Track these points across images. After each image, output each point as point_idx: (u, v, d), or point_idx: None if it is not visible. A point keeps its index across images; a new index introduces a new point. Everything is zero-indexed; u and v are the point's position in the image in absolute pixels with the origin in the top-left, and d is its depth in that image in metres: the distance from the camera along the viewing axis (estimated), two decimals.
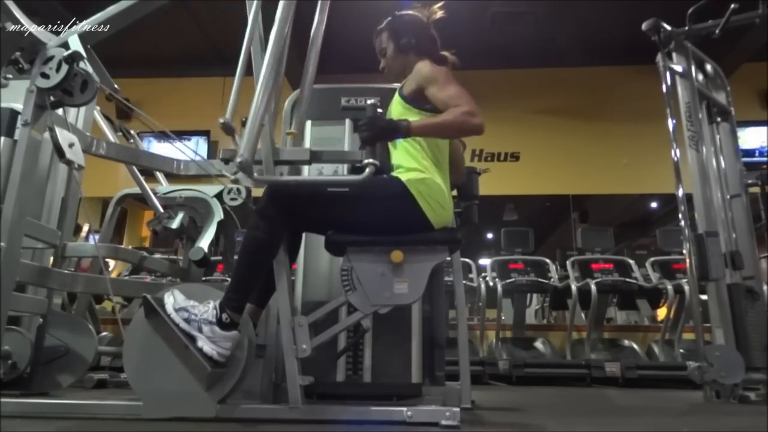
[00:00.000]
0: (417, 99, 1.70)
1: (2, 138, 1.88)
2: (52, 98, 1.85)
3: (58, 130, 1.78)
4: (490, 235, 7.95)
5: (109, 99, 2.40)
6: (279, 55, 1.54)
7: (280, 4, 1.60)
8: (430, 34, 1.85)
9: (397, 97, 1.78)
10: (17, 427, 1.39)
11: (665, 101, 2.90)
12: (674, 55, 2.97)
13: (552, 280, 4.45)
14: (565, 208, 6.96)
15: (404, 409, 1.46)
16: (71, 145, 1.82)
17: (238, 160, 1.40)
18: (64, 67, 1.80)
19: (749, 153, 5.94)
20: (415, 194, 1.58)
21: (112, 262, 4.64)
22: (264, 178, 1.54)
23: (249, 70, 1.54)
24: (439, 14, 1.85)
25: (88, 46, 2.02)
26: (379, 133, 1.55)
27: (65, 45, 1.87)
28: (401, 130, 1.57)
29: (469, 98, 1.61)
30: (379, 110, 1.58)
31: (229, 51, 1.76)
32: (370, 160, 1.49)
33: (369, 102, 1.62)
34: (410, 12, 1.87)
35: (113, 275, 4.24)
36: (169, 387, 1.51)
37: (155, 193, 2.85)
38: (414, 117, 1.67)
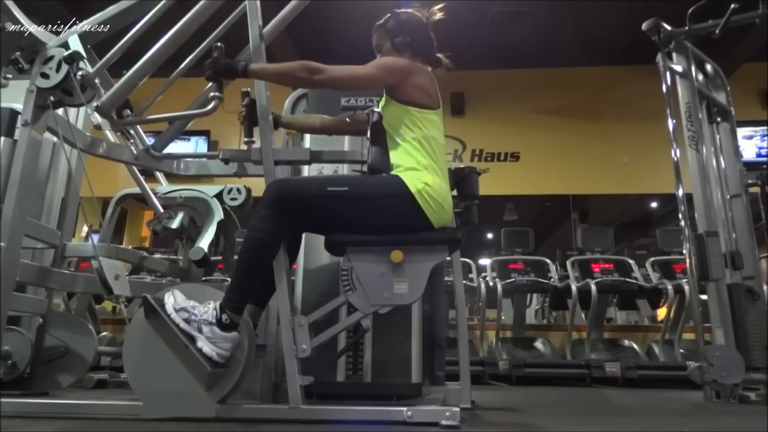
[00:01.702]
0: (393, 89, 1.74)
1: (2, 138, 1.89)
2: (52, 98, 1.85)
3: (102, 261, 1.78)
4: (490, 235, 7.95)
5: None
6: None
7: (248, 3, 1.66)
8: (427, 34, 1.85)
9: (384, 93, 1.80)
10: (17, 427, 1.39)
11: (665, 101, 2.90)
12: (674, 55, 2.97)
13: (552, 280, 4.45)
14: (565, 208, 6.96)
15: (404, 409, 1.46)
16: (117, 277, 1.82)
17: (96, 103, 1.49)
18: (64, 67, 1.80)
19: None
20: (415, 194, 1.58)
21: None
22: (126, 121, 1.64)
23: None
24: (439, 15, 1.85)
25: (88, 46, 2.01)
26: (219, 70, 1.66)
27: (65, 45, 1.87)
28: (238, 69, 1.64)
29: (342, 72, 1.66)
30: (378, 110, 1.60)
31: (229, 51, 1.76)
32: (216, 94, 1.67)
33: (218, 44, 1.72)
34: (410, 11, 1.86)
35: None
36: (169, 387, 1.51)
37: (155, 193, 2.85)
38: (393, 109, 1.72)
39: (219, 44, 1.70)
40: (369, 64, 1.72)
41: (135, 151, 1.91)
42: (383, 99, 1.80)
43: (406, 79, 1.70)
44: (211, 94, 1.67)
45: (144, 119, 1.79)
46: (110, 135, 2.83)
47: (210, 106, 1.67)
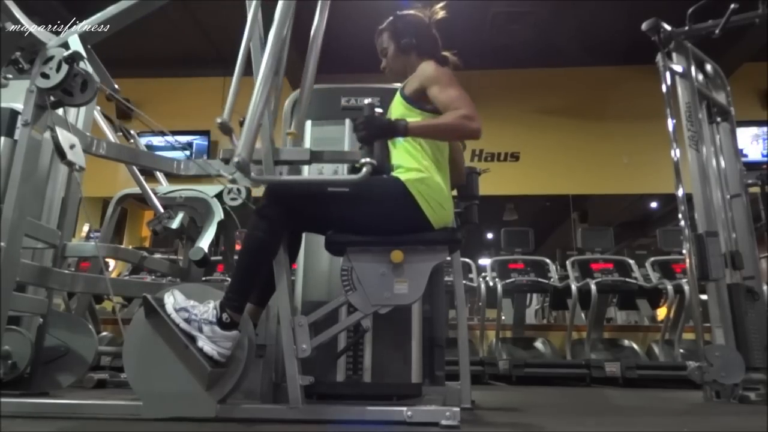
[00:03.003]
0: (418, 99, 1.71)
1: (2, 138, 1.88)
2: (52, 98, 1.85)
3: (59, 131, 1.78)
4: (490, 235, 7.95)
5: (110, 99, 2.40)
6: (278, 54, 1.54)
7: (280, 4, 1.61)
8: (431, 34, 1.85)
9: (398, 97, 1.78)
10: (17, 427, 1.39)
11: (665, 101, 2.90)
12: (674, 55, 2.97)
13: (552, 280, 4.45)
14: (565, 208, 6.96)
15: (404, 409, 1.46)
16: (72, 147, 1.82)
17: (236, 159, 1.40)
18: (64, 67, 1.80)
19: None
20: (415, 194, 1.59)
21: (112, 262, 4.64)
22: (262, 177, 1.54)
23: (248, 70, 1.54)
24: (441, 14, 1.85)
25: (88, 46, 2.01)
26: (376, 133, 1.53)
27: (65, 45, 1.87)
28: (399, 130, 1.57)
29: (469, 102, 1.61)
30: (379, 110, 1.58)
31: (229, 51, 1.76)
32: (368, 160, 1.48)
33: (366, 101, 1.62)
34: (412, 12, 1.86)
35: (113, 275, 4.24)
36: (169, 387, 1.51)
37: (155, 193, 2.85)
38: (415, 117, 1.68)
39: (371, 101, 1.62)
40: (445, 83, 1.65)
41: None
42: (396, 99, 1.79)
43: None
44: (363, 160, 1.48)
45: (282, 179, 1.65)
46: (110, 135, 2.83)
47: (362, 173, 1.47)
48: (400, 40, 1.82)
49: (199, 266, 2.72)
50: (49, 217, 2.32)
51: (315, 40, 1.82)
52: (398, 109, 1.74)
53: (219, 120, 1.40)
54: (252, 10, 1.60)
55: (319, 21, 1.84)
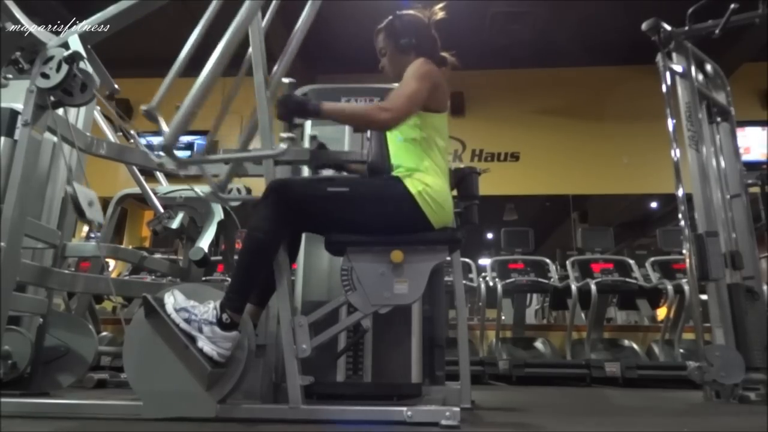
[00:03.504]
0: None
1: (2, 138, 1.88)
2: (52, 98, 1.85)
3: (76, 186, 1.77)
4: (490, 235, 7.95)
5: (110, 99, 2.40)
6: (228, 51, 1.58)
7: (246, 4, 1.62)
8: (430, 34, 1.85)
9: None
10: (17, 427, 1.39)
11: (665, 101, 2.90)
12: (674, 55, 2.97)
13: (552, 280, 4.45)
14: (565, 208, 6.97)
15: (404, 409, 1.46)
16: (90, 204, 1.81)
17: (162, 142, 1.42)
18: (64, 67, 1.80)
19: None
20: (415, 194, 1.59)
21: (112, 262, 4.64)
22: (190, 159, 1.56)
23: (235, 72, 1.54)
24: (440, 15, 1.84)
25: (88, 46, 2.01)
26: (292, 110, 1.61)
27: (65, 45, 1.87)
28: (311, 109, 1.61)
29: (405, 98, 1.62)
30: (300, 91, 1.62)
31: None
32: (288, 135, 1.58)
33: (287, 80, 1.67)
34: (411, 12, 1.86)
35: (113, 275, 4.24)
36: (169, 387, 1.51)
37: (155, 193, 2.84)
38: (413, 117, 1.68)
39: (291, 80, 1.66)
40: (409, 76, 1.66)
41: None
42: None
43: (438, 85, 1.70)
44: (282, 134, 1.58)
45: (207, 159, 1.71)
46: (110, 135, 2.83)
47: (282, 147, 1.56)
48: (399, 40, 1.82)
49: (199, 266, 2.72)
50: (49, 217, 2.32)
51: (294, 37, 1.81)
52: None
53: (144, 108, 1.45)
54: (252, 9, 1.60)
55: (303, 21, 1.83)
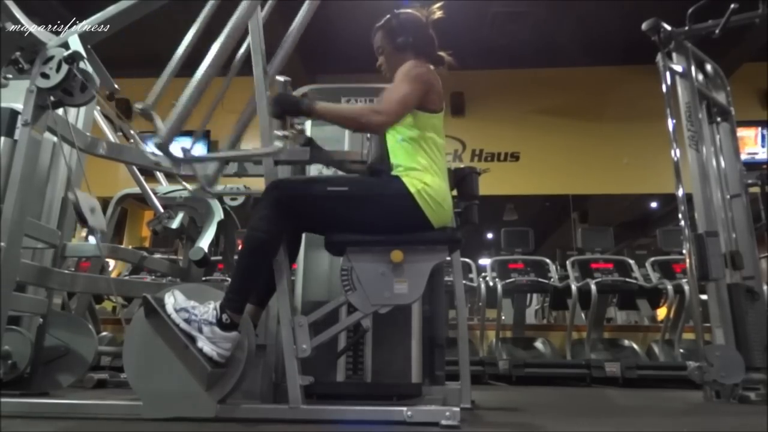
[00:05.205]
0: None
1: (2, 138, 1.88)
2: (52, 98, 1.85)
3: (78, 194, 1.77)
4: (490, 235, 7.95)
5: (110, 99, 2.40)
6: (225, 51, 1.58)
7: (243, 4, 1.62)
8: (428, 33, 1.85)
9: None
10: (17, 427, 1.39)
11: (665, 101, 2.90)
12: (674, 55, 2.97)
13: (552, 280, 4.45)
14: (565, 208, 6.97)
15: (404, 409, 1.46)
16: (93, 210, 1.81)
17: (156, 141, 1.42)
18: (64, 67, 1.80)
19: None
20: (415, 194, 1.59)
21: (112, 262, 4.63)
22: (185, 157, 1.56)
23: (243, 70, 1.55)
24: (438, 14, 1.84)
25: (88, 46, 2.01)
26: (285, 108, 1.63)
27: (65, 45, 1.87)
28: (303, 108, 1.63)
29: (395, 100, 1.63)
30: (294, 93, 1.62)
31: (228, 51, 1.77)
32: (283, 133, 1.58)
33: (281, 78, 1.67)
34: (409, 11, 1.86)
35: (113, 275, 4.24)
36: (169, 387, 1.51)
37: (155, 193, 2.85)
38: (408, 116, 1.69)
39: (286, 78, 1.67)
40: (400, 79, 1.67)
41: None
42: None
43: (431, 86, 1.70)
44: (276, 132, 1.59)
45: (205, 157, 1.73)
46: (110, 135, 2.83)
47: (278, 146, 1.57)
48: (396, 39, 1.82)
49: (199, 266, 2.72)
50: (49, 217, 2.32)
51: (291, 34, 1.81)
52: None
53: (139, 106, 1.45)
54: (251, 9, 1.60)
55: (300, 18, 1.83)
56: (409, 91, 1.65)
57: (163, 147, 1.42)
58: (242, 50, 1.81)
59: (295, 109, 1.64)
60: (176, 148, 1.50)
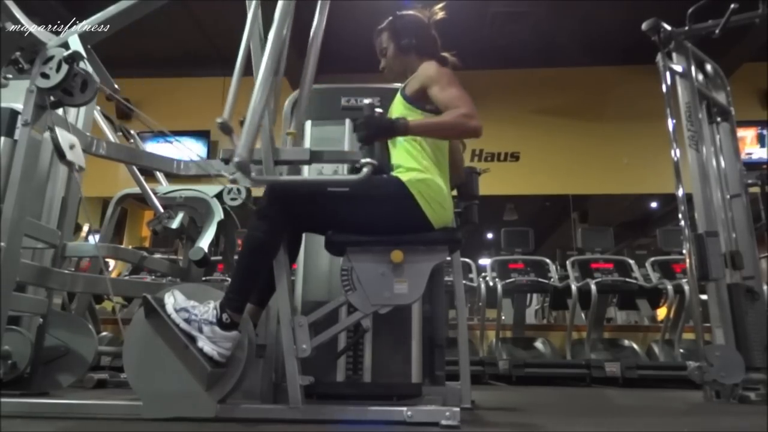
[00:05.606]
0: (419, 99, 1.71)
1: (2, 138, 1.88)
2: (52, 98, 1.85)
3: (58, 131, 1.78)
4: (490, 235, 7.95)
5: (110, 99, 2.40)
6: (277, 54, 1.54)
7: (279, 3, 1.60)
8: (431, 34, 1.85)
9: (399, 97, 1.78)
10: (17, 427, 1.39)
11: (665, 101, 2.90)
12: (674, 55, 2.97)
13: (552, 280, 4.45)
14: (565, 208, 6.96)
15: (404, 409, 1.46)
16: (72, 147, 1.82)
17: (236, 159, 1.40)
18: (64, 67, 1.80)
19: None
20: (415, 194, 1.59)
21: (112, 262, 4.64)
22: (262, 177, 1.54)
23: (248, 70, 1.54)
24: (440, 15, 1.85)
25: (88, 46, 2.01)
26: (376, 132, 1.55)
27: (65, 45, 1.87)
28: (399, 129, 1.58)
29: (468, 101, 1.61)
30: (378, 110, 1.58)
31: (229, 51, 1.76)
32: (368, 160, 1.49)
33: (366, 101, 1.62)
34: (411, 12, 1.87)
35: (113, 275, 4.24)
36: (169, 387, 1.51)
37: (155, 193, 2.85)
38: (416, 117, 1.68)
39: (371, 101, 1.62)
40: (446, 82, 1.65)
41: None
42: (396, 99, 1.79)
43: None
44: (364, 160, 1.48)
45: (286, 180, 1.65)
46: (110, 135, 2.83)
47: (363, 174, 1.47)
48: (400, 41, 1.82)
49: (199, 266, 2.72)
50: (49, 217, 2.32)
51: (314, 40, 1.81)
52: (399, 110, 1.75)
53: (219, 120, 1.40)
54: (252, 10, 1.60)
55: (318, 20, 1.84)
56: (462, 89, 1.64)
57: (244, 166, 1.39)
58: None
59: (390, 131, 1.59)
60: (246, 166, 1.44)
